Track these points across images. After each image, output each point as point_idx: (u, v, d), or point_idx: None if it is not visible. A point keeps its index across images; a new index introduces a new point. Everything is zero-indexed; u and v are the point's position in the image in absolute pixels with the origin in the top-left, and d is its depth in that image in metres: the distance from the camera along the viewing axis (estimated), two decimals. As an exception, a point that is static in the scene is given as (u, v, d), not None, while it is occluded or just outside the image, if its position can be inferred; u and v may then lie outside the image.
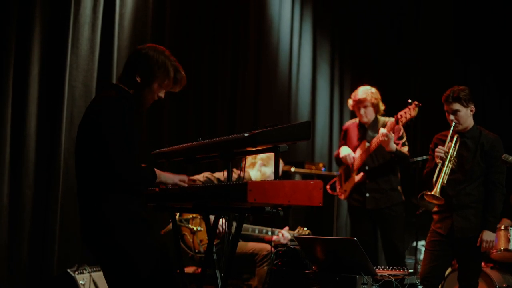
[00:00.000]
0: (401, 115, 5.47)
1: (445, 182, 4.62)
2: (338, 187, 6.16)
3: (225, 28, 7.23)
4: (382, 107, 5.88)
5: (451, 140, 4.72)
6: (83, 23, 5.61)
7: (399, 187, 5.82)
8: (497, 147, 4.71)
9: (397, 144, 5.61)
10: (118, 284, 3.23)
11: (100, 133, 3.13)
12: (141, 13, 6.22)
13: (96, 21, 5.68)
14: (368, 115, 5.83)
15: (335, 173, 7.48)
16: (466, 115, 4.71)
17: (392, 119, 5.66)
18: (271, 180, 3.33)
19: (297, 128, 3.34)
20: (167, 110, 6.53)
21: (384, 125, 5.72)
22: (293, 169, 6.75)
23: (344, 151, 5.94)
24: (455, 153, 4.68)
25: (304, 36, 8.26)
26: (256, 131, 3.29)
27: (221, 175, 5.43)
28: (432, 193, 4.60)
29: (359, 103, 5.81)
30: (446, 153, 4.67)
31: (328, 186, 6.30)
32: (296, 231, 5.97)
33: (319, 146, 8.31)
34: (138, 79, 3.30)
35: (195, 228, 5.25)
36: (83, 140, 3.25)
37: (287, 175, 6.66)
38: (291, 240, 5.94)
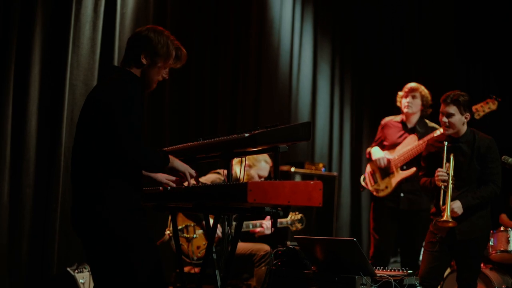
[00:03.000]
0: (476, 109, 5.46)
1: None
2: (371, 183, 6.04)
3: (226, 28, 7.24)
4: (429, 109, 5.82)
5: (448, 161, 4.69)
6: (84, 22, 5.62)
7: None
8: (493, 149, 4.70)
9: None
10: (112, 276, 3.16)
11: (109, 114, 3.08)
12: (142, 13, 6.23)
13: (97, 20, 5.70)
14: (413, 106, 5.76)
15: (335, 173, 7.49)
16: (459, 122, 4.67)
17: (437, 126, 5.66)
18: (270, 180, 3.33)
19: (297, 128, 3.35)
20: (168, 110, 6.54)
21: (428, 128, 5.70)
22: (293, 169, 6.75)
23: (377, 153, 5.89)
24: (453, 172, 4.66)
25: (305, 36, 8.26)
26: (257, 132, 3.29)
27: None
28: (444, 219, 4.57)
29: (411, 91, 5.77)
30: (447, 174, 4.65)
31: (363, 183, 6.19)
32: (289, 217, 5.98)
33: (319, 147, 8.32)
34: (144, 60, 3.30)
35: (190, 236, 5.26)
36: (87, 123, 3.19)
37: (287, 175, 6.66)
38: (279, 229, 5.94)
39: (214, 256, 3.67)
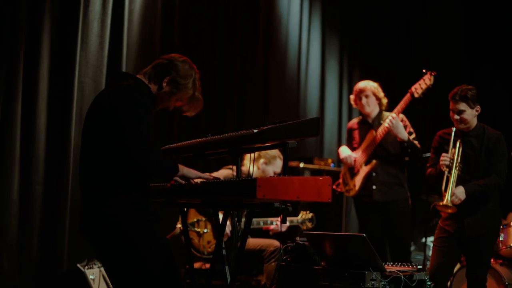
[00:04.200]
0: (415, 88, 5.54)
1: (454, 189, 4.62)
2: (343, 185, 6.09)
3: (234, 24, 7.23)
4: (384, 100, 5.86)
5: (454, 146, 4.69)
6: (93, 19, 5.63)
7: (405, 184, 5.81)
8: (501, 144, 4.70)
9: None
10: (126, 279, 3.17)
11: (118, 120, 3.05)
12: (150, 9, 6.23)
13: (105, 17, 5.70)
14: (370, 104, 5.81)
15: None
16: (471, 116, 4.68)
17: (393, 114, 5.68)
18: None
19: (306, 124, 3.34)
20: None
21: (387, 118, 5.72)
22: (302, 165, 6.75)
23: (344, 152, 5.94)
24: (459, 158, 4.66)
25: (313, 32, 8.25)
26: (265, 127, 3.28)
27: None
28: (444, 203, 4.58)
29: (360, 92, 5.83)
30: (451, 160, 4.66)
31: (334, 186, 6.27)
32: (299, 216, 5.98)
33: (328, 142, 8.31)
34: (165, 85, 3.30)
35: (201, 231, 5.27)
36: (95, 129, 3.17)
37: (296, 171, 6.66)
38: (290, 227, 5.95)
39: (224, 252, 3.67)
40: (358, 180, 5.86)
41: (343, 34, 8.67)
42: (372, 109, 5.82)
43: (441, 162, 4.68)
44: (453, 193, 4.58)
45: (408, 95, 5.60)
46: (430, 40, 8.93)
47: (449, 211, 4.62)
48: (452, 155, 4.68)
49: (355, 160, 5.86)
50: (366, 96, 5.81)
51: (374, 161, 5.74)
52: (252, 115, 7.30)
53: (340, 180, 6.10)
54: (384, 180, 5.75)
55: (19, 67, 5.13)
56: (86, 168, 3.21)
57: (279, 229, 5.63)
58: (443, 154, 4.69)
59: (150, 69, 3.35)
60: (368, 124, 5.87)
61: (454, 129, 4.72)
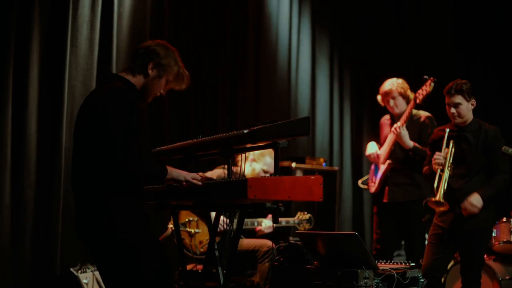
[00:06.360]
0: (418, 93, 5.58)
1: (445, 188, 4.63)
2: (370, 180, 6.10)
3: (223, 26, 7.23)
4: (412, 95, 5.81)
5: (447, 146, 4.71)
6: (82, 22, 5.61)
7: (421, 184, 5.73)
8: (499, 139, 4.71)
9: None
10: (119, 280, 3.19)
11: (106, 124, 3.08)
12: (140, 12, 6.22)
13: (94, 20, 5.69)
14: (398, 105, 5.79)
15: (336, 168, 7.50)
16: (467, 109, 4.70)
17: (424, 113, 5.76)
18: (269, 176, 3.34)
19: (296, 123, 3.35)
20: (168, 108, 6.53)
21: (417, 118, 5.75)
22: (294, 164, 6.75)
23: (370, 149, 5.96)
24: (451, 159, 4.68)
25: (303, 31, 8.25)
26: (255, 128, 3.29)
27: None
28: (436, 199, 4.60)
29: (387, 95, 5.81)
30: (444, 159, 4.68)
31: (360, 181, 6.30)
32: (296, 216, 5.97)
33: (320, 141, 8.32)
34: (150, 71, 3.33)
35: (193, 231, 5.26)
36: (84, 133, 3.19)
37: (288, 170, 6.66)
38: (282, 228, 5.94)
39: (217, 253, 3.67)
40: (378, 176, 5.88)
41: (333, 33, 8.67)
42: (401, 109, 5.80)
43: (434, 161, 4.69)
44: (470, 202, 4.57)
45: (412, 101, 5.64)
46: (422, 38, 8.94)
47: (441, 208, 4.64)
48: (446, 154, 4.69)
49: (378, 157, 5.88)
50: (393, 98, 5.79)
51: (387, 162, 5.76)
52: (243, 116, 7.30)
53: (370, 176, 6.12)
54: (397, 181, 5.76)
55: (9, 71, 5.11)
56: (78, 171, 3.23)
57: (264, 231, 5.64)
58: (436, 153, 4.71)
59: (131, 64, 3.38)
60: (395, 121, 5.87)
61: (448, 130, 4.73)
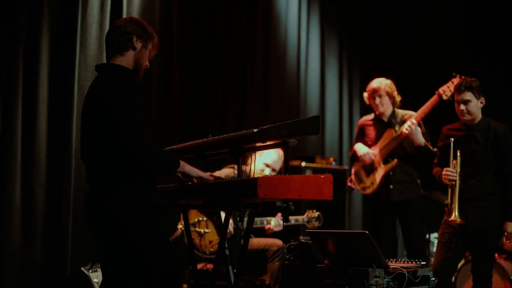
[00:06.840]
0: (443, 90, 5.52)
1: (458, 204, 4.63)
2: (357, 183, 6.05)
3: (232, 25, 7.23)
4: (398, 98, 5.83)
5: (454, 158, 4.70)
6: (91, 22, 5.63)
7: (418, 181, 5.80)
8: (508, 138, 4.69)
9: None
10: (123, 272, 3.18)
11: (113, 117, 3.08)
12: (148, 12, 6.23)
13: (103, 20, 5.71)
14: (384, 104, 5.79)
15: (345, 167, 7.48)
16: (476, 107, 4.68)
17: (411, 112, 5.71)
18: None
19: (306, 122, 3.34)
20: (178, 108, 6.54)
21: (402, 118, 5.73)
22: (303, 163, 6.74)
23: (362, 149, 5.90)
24: (459, 168, 4.67)
25: (311, 30, 8.25)
26: (265, 127, 3.29)
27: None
28: (452, 219, 4.62)
29: (374, 92, 5.81)
30: (455, 174, 4.66)
31: (348, 183, 6.26)
32: (305, 214, 5.97)
33: (329, 140, 8.31)
34: (136, 44, 3.34)
35: (202, 231, 5.27)
36: (93, 124, 3.20)
37: (298, 169, 6.66)
38: (293, 226, 5.93)
39: (227, 252, 3.67)
40: (378, 178, 5.83)
41: (342, 32, 8.67)
42: (385, 108, 5.81)
43: (445, 177, 4.68)
44: (510, 232, 4.65)
45: (435, 96, 5.55)
46: (431, 37, 8.91)
47: (458, 222, 4.65)
48: (454, 167, 4.68)
49: (373, 156, 5.87)
50: (380, 96, 5.79)
51: (395, 160, 5.72)
52: (253, 115, 7.30)
53: (353, 177, 6.08)
54: (401, 179, 5.75)
55: (19, 72, 5.13)
56: (91, 165, 3.26)
57: (273, 229, 5.64)
58: (446, 169, 4.68)
59: (116, 46, 3.36)
60: (383, 122, 5.85)
61: (452, 139, 4.71)
